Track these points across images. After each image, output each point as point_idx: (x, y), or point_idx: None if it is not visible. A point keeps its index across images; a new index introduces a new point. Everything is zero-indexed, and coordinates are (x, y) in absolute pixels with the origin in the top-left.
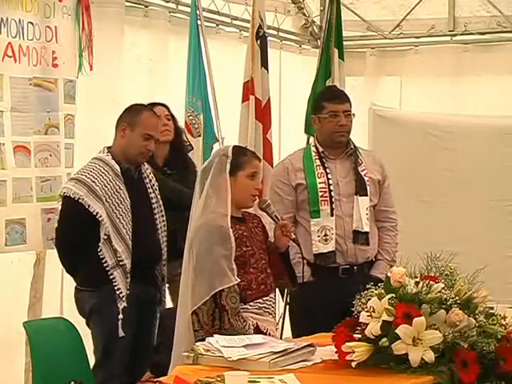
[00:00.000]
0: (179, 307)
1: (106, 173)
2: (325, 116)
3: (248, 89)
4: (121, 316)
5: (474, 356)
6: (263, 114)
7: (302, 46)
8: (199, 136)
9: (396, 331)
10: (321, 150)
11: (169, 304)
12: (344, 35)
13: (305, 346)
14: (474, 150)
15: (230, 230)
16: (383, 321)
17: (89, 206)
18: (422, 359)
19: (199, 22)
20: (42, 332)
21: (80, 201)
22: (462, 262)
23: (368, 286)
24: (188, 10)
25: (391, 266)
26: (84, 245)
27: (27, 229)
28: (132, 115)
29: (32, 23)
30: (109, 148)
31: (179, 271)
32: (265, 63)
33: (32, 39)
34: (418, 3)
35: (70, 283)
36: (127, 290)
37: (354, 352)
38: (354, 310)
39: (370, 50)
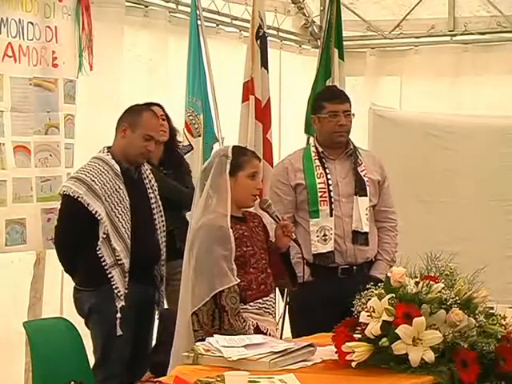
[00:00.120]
0: (179, 307)
1: (105, 172)
2: (324, 116)
3: (248, 89)
4: (119, 315)
5: (474, 356)
6: (263, 113)
7: (302, 45)
8: (199, 136)
9: (396, 331)
10: (320, 150)
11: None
12: (344, 35)
13: (305, 346)
14: (474, 150)
15: (230, 230)
16: (383, 321)
17: (88, 204)
18: (422, 359)
19: (199, 22)
20: (42, 332)
21: (79, 199)
22: (462, 262)
23: (368, 286)
24: (188, 10)
25: (391, 267)
26: (83, 243)
27: (27, 229)
28: (133, 116)
29: (32, 23)
30: (109, 148)
31: (178, 271)
32: (265, 63)
33: (32, 39)
34: (417, 3)
35: (70, 283)
36: (126, 290)
37: (354, 352)
38: (353, 309)
39: (370, 50)
